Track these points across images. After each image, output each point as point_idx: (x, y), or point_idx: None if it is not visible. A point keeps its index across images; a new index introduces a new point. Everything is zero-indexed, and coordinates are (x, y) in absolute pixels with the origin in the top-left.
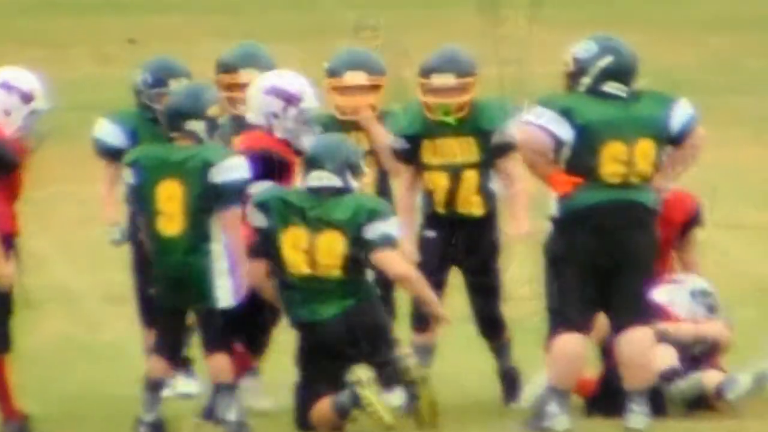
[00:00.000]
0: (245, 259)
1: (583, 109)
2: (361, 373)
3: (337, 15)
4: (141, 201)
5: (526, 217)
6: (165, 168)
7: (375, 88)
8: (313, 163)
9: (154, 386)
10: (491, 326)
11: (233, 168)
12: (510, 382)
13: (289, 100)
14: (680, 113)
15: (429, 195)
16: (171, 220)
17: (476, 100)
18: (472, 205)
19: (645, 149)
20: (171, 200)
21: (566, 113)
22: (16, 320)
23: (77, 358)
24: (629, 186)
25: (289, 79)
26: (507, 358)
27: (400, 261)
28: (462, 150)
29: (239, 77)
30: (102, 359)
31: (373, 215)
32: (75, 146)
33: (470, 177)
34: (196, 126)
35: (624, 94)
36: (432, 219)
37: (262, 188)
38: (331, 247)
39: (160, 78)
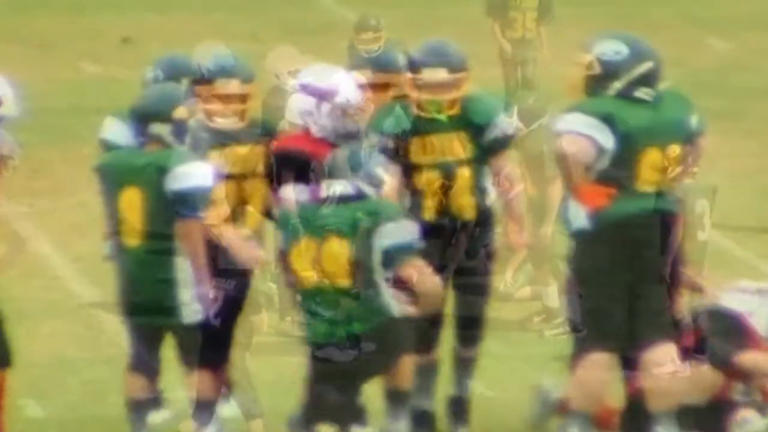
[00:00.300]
0: (207, 271)
1: (624, 116)
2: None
3: (337, 15)
4: (106, 209)
5: (526, 224)
6: (127, 175)
7: (384, 86)
8: (326, 171)
9: (136, 407)
10: (473, 328)
11: (190, 175)
12: (460, 411)
13: (322, 96)
14: (694, 114)
15: (418, 199)
16: (133, 230)
17: (466, 95)
18: (464, 206)
19: (676, 154)
20: (132, 209)
21: (608, 120)
22: (12, 329)
23: (77, 364)
24: (660, 194)
25: (321, 74)
26: (468, 382)
27: (411, 268)
28: (454, 147)
29: (215, 88)
30: (103, 365)
31: (377, 218)
32: (74, 148)
33: (463, 174)
34: (161, 129)
35: (651, 98)
36: (422, 228)
37: (292, 191)
38: (336, 254)
39: (174, 75)
